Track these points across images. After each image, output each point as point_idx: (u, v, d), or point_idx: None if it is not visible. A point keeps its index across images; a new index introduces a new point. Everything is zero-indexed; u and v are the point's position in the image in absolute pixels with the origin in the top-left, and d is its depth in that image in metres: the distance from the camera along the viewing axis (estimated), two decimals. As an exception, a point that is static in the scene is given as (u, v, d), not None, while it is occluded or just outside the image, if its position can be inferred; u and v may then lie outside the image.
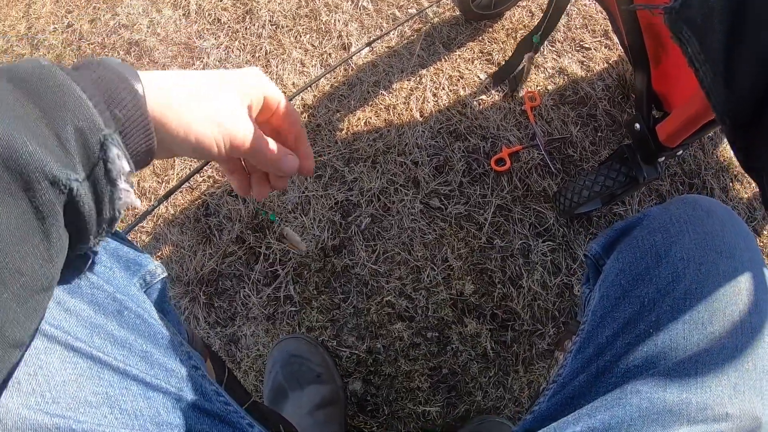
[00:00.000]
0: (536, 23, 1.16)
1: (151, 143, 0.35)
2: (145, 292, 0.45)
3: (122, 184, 0.33)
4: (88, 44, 1.33)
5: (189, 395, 0.41)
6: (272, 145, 0.43)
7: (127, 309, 0.40)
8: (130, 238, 1.13)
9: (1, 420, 0.30)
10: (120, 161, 0.32)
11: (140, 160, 0.35)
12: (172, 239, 1.08)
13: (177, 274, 1.06)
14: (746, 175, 1.23)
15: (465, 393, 0.93)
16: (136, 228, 1.10)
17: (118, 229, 0.38)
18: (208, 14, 1.28)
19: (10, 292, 0.27)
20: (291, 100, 1.13)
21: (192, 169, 1.07)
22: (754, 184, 1.23)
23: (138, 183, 1.16)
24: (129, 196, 0.34)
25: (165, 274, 0.48)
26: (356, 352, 0.96)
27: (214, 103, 0.38)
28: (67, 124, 0.29)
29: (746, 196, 1.22)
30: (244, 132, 0.40)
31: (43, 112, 0.29)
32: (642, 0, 0.62)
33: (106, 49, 1.32)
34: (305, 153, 0.48)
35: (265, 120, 0.47)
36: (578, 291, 1.00)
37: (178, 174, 1.13)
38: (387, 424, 0.93)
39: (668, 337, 0.40)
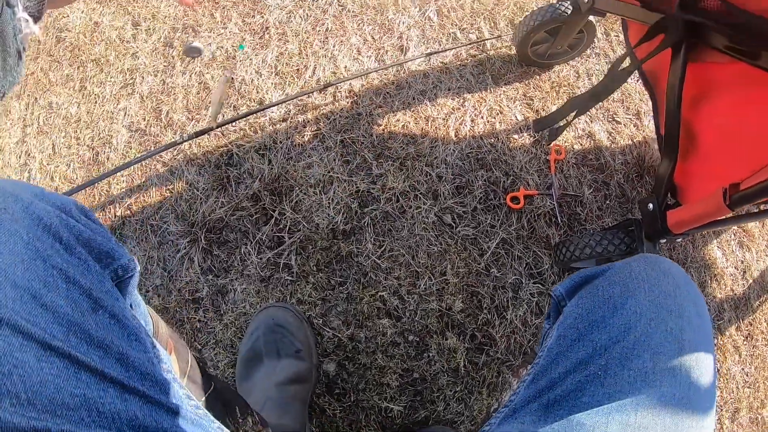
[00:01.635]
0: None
1: None
2: (116, 284, 0.44)
3: (21, 13, 0.37)
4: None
5: (163, 399, 0.41)
6: None
7: (102, 307, 0.39)
8: (146, 165, 1.11)
9: None
10: None
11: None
12: (188, 177, 1.09)
13: (183, 212, 1.06)
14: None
15: (429, 400, 0.98)
16: (155, 156, 1.09)
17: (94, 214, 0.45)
18: (277, -26, 1.29)
19: None
20: (341, 83, 1.16)
21: (235, 116, 1.07)
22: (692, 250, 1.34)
23: (167, 113, 1.15)
24: (28, 26, 0.38)
25: (138, 268, 0.48)
26: (339, 335, 0.99)
27: None
28: None
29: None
30: None
31: None
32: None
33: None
34: None
35: None
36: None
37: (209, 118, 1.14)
38: (350, 410, 0.96)
39: (614, 381, 0.45)
